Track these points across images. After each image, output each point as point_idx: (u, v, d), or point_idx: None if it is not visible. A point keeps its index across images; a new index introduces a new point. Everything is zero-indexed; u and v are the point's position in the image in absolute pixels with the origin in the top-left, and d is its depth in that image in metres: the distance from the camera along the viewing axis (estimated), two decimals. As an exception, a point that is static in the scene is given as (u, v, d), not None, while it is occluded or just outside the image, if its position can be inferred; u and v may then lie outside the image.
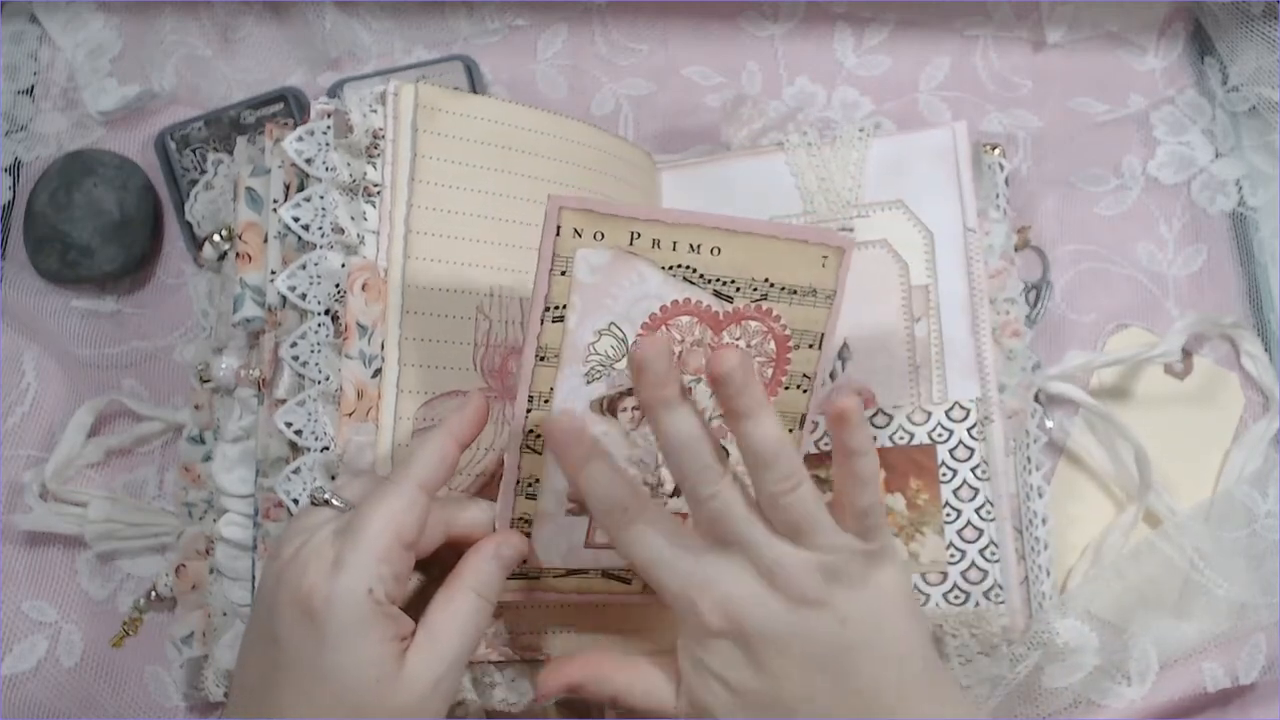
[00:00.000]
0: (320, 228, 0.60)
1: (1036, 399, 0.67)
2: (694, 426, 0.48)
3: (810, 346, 0.53)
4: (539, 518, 0.54)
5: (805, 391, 0.54)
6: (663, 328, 0.52)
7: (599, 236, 0.50)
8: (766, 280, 0.52)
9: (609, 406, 0.52)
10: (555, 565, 0.55)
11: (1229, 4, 0.74)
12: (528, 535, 0.54)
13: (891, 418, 0.65)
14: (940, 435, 0.64)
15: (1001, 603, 0.63)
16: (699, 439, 0.49)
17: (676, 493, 0.53)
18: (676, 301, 0.51)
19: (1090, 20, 0.78)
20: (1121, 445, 0.69)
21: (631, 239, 0.50)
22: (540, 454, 0.53)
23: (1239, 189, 0.75)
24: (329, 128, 0.61)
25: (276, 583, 0.48)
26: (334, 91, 0.75)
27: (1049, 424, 0.68)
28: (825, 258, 0.52)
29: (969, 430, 0.64)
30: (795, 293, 0.52)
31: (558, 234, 0.49)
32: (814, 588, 0.49)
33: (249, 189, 0.65)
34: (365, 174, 0.59)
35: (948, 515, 0.63)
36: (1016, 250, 0.69)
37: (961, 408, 0.64)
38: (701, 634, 0.50)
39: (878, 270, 0.66)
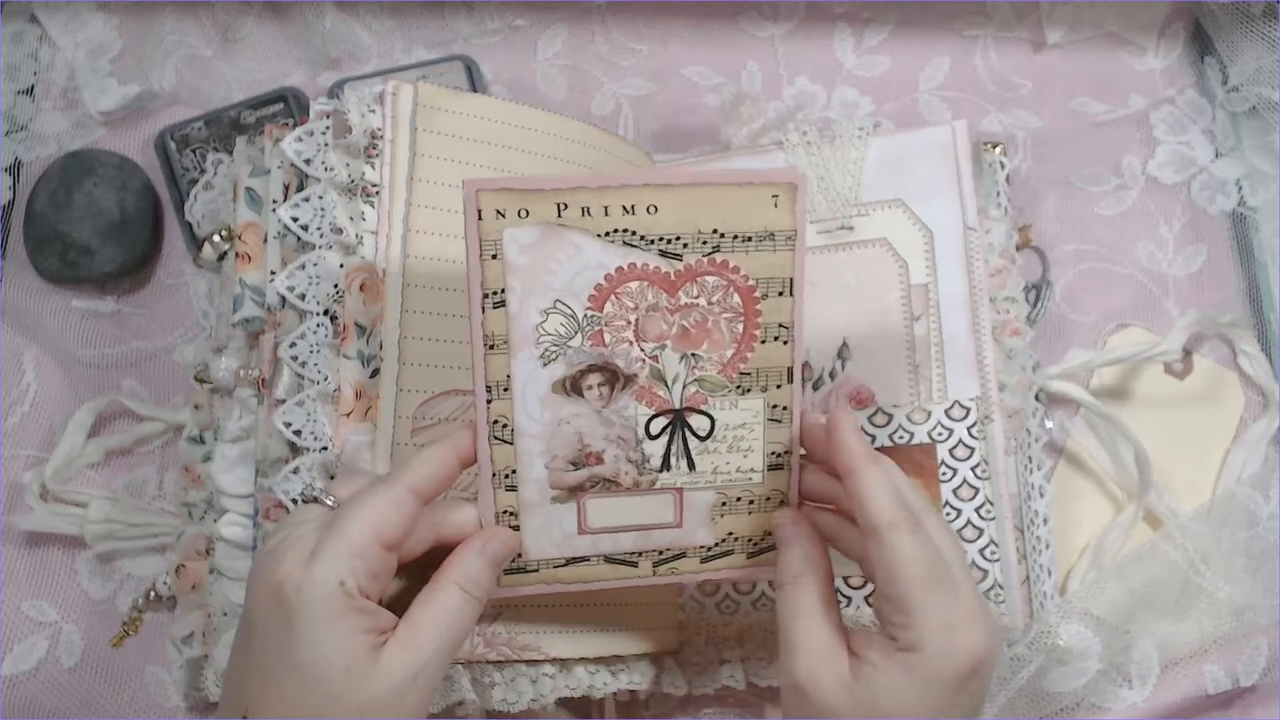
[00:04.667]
0: (319, 228, 0.60)
1: (1037, 398, 0.67)
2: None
3: (780, 294, 0.51)
4: (524, 509, 0.53)
5: (786, 343, 0.52)
6: (612, 297, 0.50)
7: (523, 214, 0.49)
8: (715, 231, 0.50)
9: (572, 386, 0.51)
10: (551, 556, 0.54)
11: (1229, 4, 0.74)
12: (515, 529, 0.53)
13: (891, 417, 0.65)
14: (940, 434, 0.64)
15: (1002, 602, 0.63)
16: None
17: (664, 467, 0.53)
18: (621, 268, 0.50)
19: (1090, 20, 0.78)
20: (1122, 445, 0.69)
21: (559, 211, 0.49)
22: (510, 444, 0.51)
23: (1239, 189, 0.75)
24: (328, 128, 0.61)
25: (254, 573, 0.48)
26: (334, 92, 0.75)
27: (1049, 424, 0.68)
28: (776, 197, 0.50)
29: (969, 429, 0.64)
30: (750, 240, 0.50)
31: (480, 218, 0.48)
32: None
33: (248, 189, 0.65)
34: (363, 174, 0.59)
35: (947, 514, 0.63)
36: (1018, 249, 0.69)
37: (961, 406, 0.64)
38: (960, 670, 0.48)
39: (877, 269, 0.66)
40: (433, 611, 0.48)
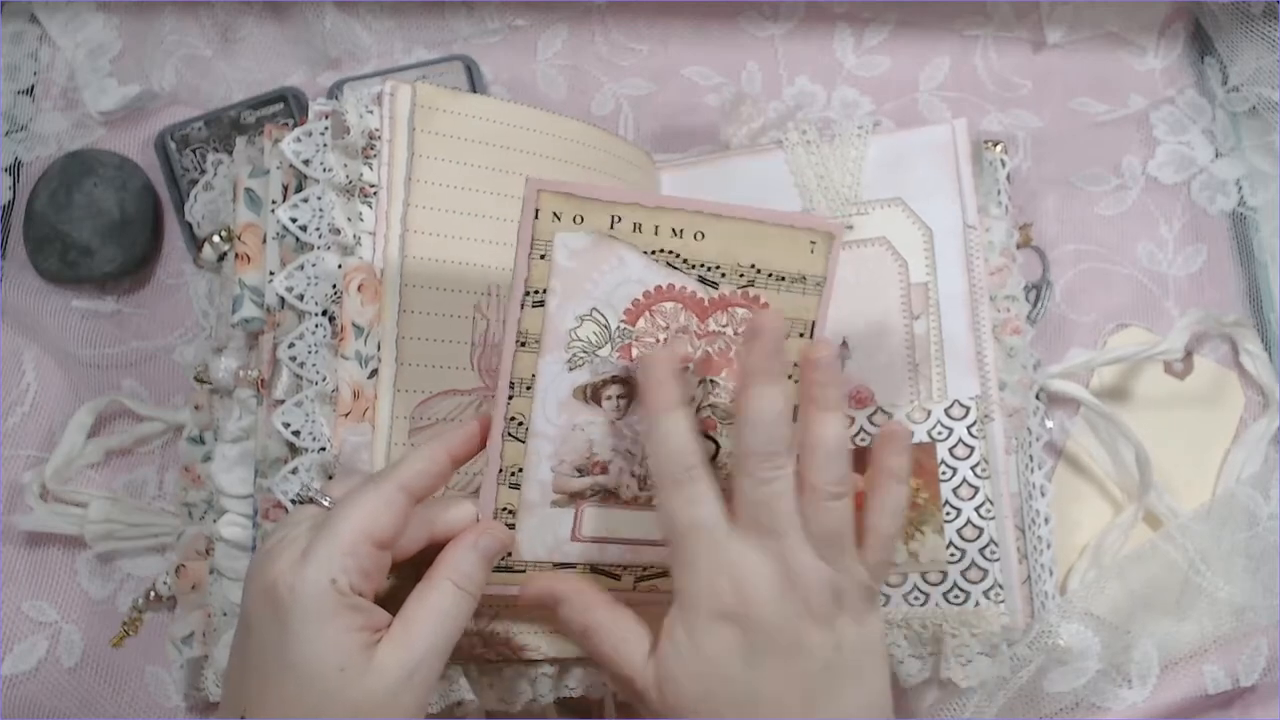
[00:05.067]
0: (318, 229, 0.60)
1: (1037, 397, 0.67)
2: (784, 407, 0.49)
3: (800, 335, 0.53)
4: (523, 509, 0.53)
5: (797, 383, 0.53)
6: (646, 313, 0.51)
7: (578, 220, 0.50)
8: (753, 266, 0.52)
9: (592, 395, 0.52)
10: (541, 559, 0.54)
11: (1229, 4, 0.74)
12: (511, 527, 0.53)
13: (891, 416, 0.65)
14: (940, 433, 0.64)
15: (1002, 602, 0.63)
16: (783, 421, 0.49)
17: None
18: (660, 287, 0.51)
19: (1090, 20, 0.78)
20: (1122, 445, 0.69)
21: (612, 223, 0.50)
22: (523, 442, 0.52)
23: (1239, 189, 0.75)
24: (326, 129, 0.61)
25: (251, 573, 0.48)
26: (334, 92, 0.75)
27: (1049, 424, 0.68)
28: (814, 243, 0.52)
29: (969, 428, 0.64)
30: (783, 279, 0.52)
31: (536, 217, 0.49)
32: (824, 605, 0.50)
33: (248, 190, 0.65)
34: (361, 175, 0.59)
35: (947, 514, 0.63)
36: (1019, 248, 0.69)
37: (961, 405, 0.64)
38: (710, 610, 0.49)
39: (877, 268, 0.66)
40: (426, 608, 0.48)
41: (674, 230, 0.50)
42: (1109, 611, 0.65)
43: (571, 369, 0.51)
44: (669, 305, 0.51)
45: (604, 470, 0.53)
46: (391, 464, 0.51)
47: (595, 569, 0.55)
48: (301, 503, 0.51)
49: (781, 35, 0.80)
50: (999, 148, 0.70)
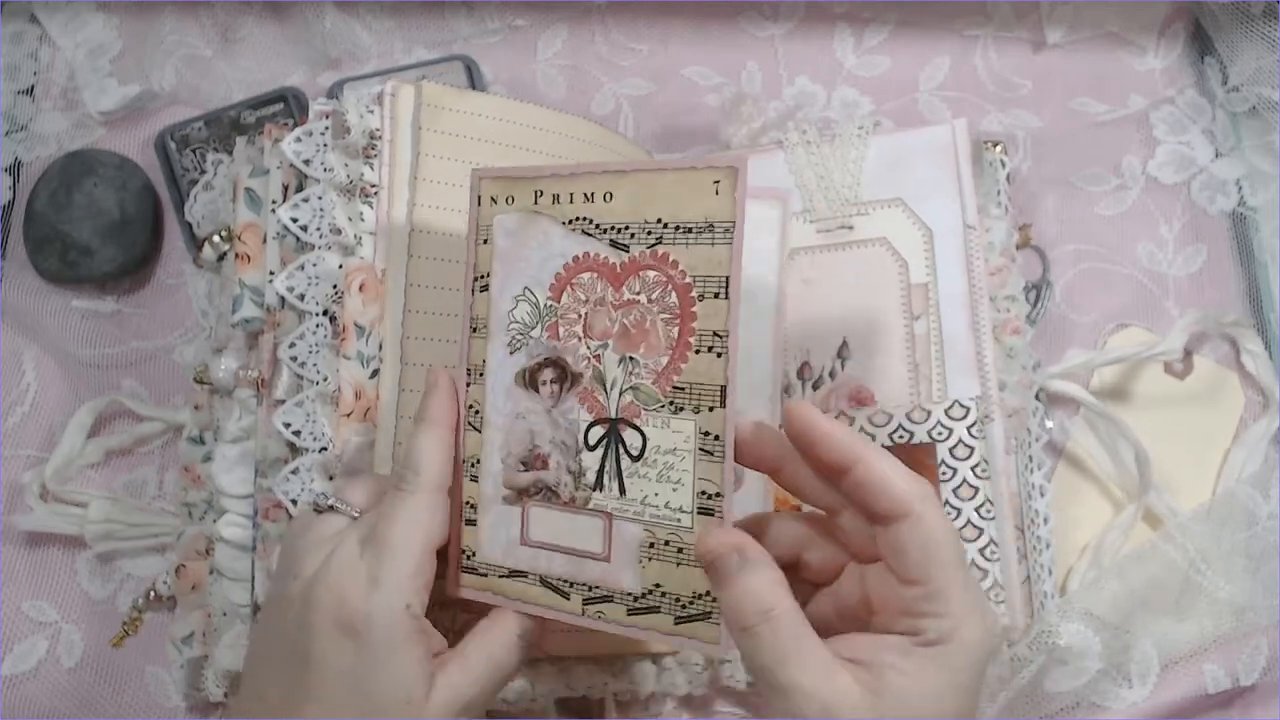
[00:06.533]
0: (318, 228, 0.60)
1: (1037, 398, 0.67)
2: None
3: (716, 295, 0.46)
4: (481, 503, 0.51)
5: (720, 355, 0.46)
6: (569, 287, 0.50)
7: (510, 200, 0.51)
8: (660, 221, 0.48)
9: (530, 380, 0.50)
10: (497, 561, 0.51)
11: (1229, 4, 0.74)
12: (474, 523, 0.52)
13: (891, 416, 0.65)
14: (940, 434, 0.64)
15: (1002, 602, 0.63)
16: None
17: (598, 485, 0.49)
18: (577, 257, 0.50)
19: (1090, 20, 0.78)
20: (1122, 445, 0.69)
21: (535, 198, 0.50)
22: (480, 432, 0.51)
23: (1239, 189, 0.75)
24: (327, 129, 0.61)
25: (306, 602, 0.47)
26: (334, 92, 0.75)
27: (1049, 424, 0.68)
28: (717, 182, 0.46)
29: (969, 429, 0.64)
30: (690, 231, 0.47)
31: (479, 204, 0.51)
32: None
33: (248, 190, 0.65)
34: (362, 175, 0.59)
35: (948, 514, 0.63)
36: (1018, 248, 0.69)
37: (961, 406, 0.64)
38: None
39: (877, 268, 0.66)
40: (486, 655, 0.49)
41: (585, 195, 0.49)
42: (1109, 611, 0.64)
43: (512, 352, 0.51)
44: (586, 276, 0.49)
45: (544, 464, 0.50)
46: (412, 467, 0.50)
47: (545, 582, 0.51)
48: (320, 511, 0.51)
49: (781, 35, 0.80)
50: (998, 148, 0.70)
